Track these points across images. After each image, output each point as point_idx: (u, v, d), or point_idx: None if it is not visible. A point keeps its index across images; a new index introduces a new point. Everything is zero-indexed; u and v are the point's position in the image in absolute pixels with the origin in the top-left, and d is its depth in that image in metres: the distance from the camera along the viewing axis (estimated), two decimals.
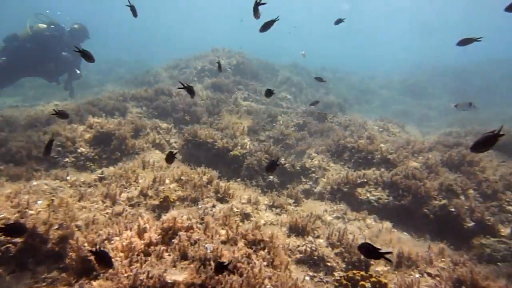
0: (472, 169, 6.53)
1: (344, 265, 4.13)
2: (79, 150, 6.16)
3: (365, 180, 6.23)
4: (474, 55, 29.29)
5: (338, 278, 3.84)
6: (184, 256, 2.92)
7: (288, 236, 4.41)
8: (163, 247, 2.99)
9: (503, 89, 20.93)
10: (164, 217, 3.38)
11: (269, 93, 4.84)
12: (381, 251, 2.46)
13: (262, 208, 5.36)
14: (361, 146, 7.18)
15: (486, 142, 2.75)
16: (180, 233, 3.16)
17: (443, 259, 4.05)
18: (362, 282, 3.71)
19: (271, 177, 6.59)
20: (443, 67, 24.18)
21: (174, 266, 2.79)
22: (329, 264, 4.07)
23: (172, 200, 4.48)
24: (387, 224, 5.52)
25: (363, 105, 19.24)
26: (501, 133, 2.62)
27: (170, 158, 3.94)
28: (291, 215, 5.01)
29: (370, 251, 2.54)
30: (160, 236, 3.13)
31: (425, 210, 5.83)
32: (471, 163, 6.66)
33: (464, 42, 4.91)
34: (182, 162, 6.83)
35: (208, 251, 2.96)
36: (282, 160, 6.89)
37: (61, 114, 4.18)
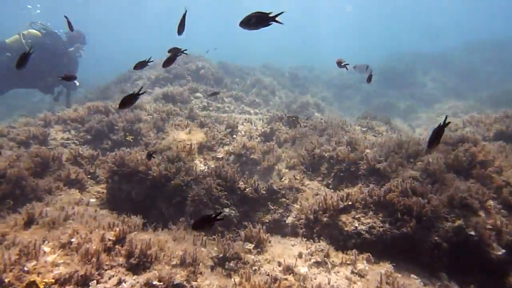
0: (486, 171, 5.01)
1: None
2: None
3: (350, 202, 4.62)
4: (448, 41, 28.56)
5: None
6: None
7: None
8: None
9: (485, 73, 19.87)
10: None
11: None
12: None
13: (206, 267, 3.68)
14: (341, 155, 5.58)
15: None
16: None
17: None
18: None
19: (227, 209, 4.92)
20: (423, 54, 23.03)
21: None
22: None
23: (42, 286, 2.76)
24: (387, 267, 3.90)
25: (344, 102, 17.84)
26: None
27: None
28: (245, 278, 3.33)
29: None
30: None
31: (436, 238, 4.24)
32: (484, 163, 5.14)
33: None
34: (104, 205, 5.14)
35: None
36: (241, 184, 5.23)
37: None
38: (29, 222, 3.78)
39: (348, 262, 3.99)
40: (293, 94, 14.96)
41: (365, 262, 3.99)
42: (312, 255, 4.11)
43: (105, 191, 5.44)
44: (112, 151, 6.75)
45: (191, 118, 8.21)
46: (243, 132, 7.30)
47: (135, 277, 3.12)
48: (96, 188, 5.56)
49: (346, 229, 4.40)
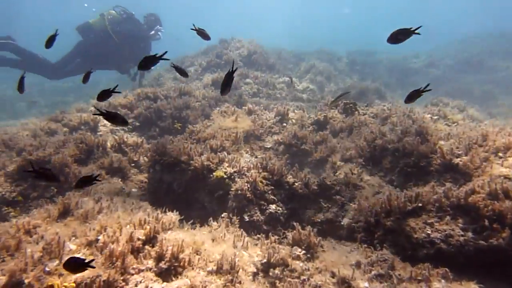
0: None
1: None
2: None
3: (420, 204, 3.83)
4: None
5: None
6: None
7: None
8: None
9: None
10: None
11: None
12: None
13: (247, 274, 3.20)
14: (408, 146, 4.75)
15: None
16: None
17: None
18: None
19: (273, 206, 4.39)
20: (504, 34, 20.25)
21: None
22: None
23: None
24: (473, 287, 3.12)
25: (409, 89, 16.21)
26: None
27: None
28: None
29: None
30: None
31: None
32: None
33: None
34: (146, 195, 4.89)
35: None
36: (290, 178, 4.66)
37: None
38: (65, 213, 3.57)
39: (419, 277, 3.25)
40: (351, 80, 13.90)
41: (442, 280, 3.23)
42: (373, 266, 3.45)
43: (147, 181, 5.21)
44: (154, 139, 6.58)
45: (240, 104, 7.77)
46: (294, 120, 6.68)
47: (164, 284, 2.73)
48: (139, 177, 5.35)
49: (415, 236, 3.64)
